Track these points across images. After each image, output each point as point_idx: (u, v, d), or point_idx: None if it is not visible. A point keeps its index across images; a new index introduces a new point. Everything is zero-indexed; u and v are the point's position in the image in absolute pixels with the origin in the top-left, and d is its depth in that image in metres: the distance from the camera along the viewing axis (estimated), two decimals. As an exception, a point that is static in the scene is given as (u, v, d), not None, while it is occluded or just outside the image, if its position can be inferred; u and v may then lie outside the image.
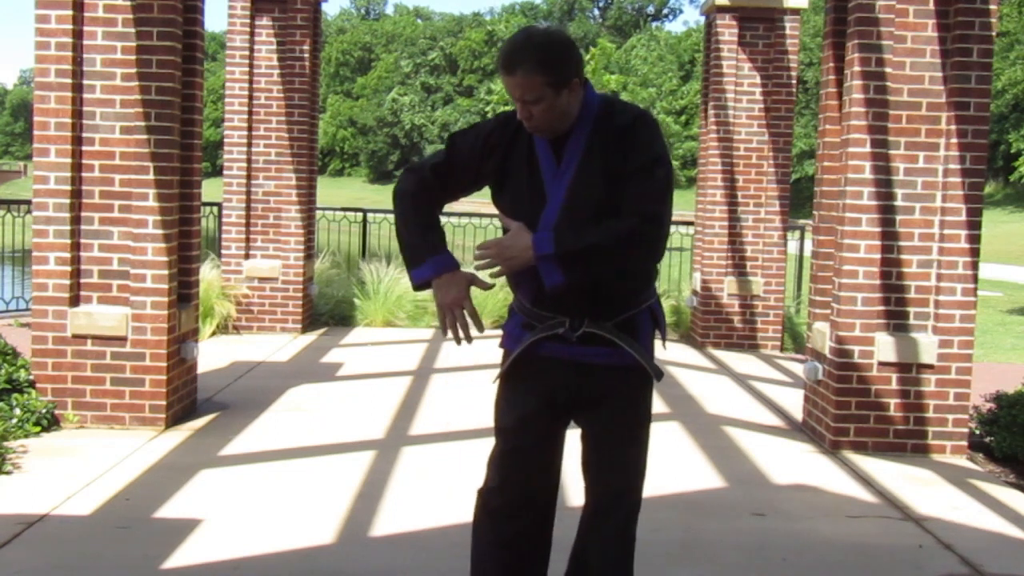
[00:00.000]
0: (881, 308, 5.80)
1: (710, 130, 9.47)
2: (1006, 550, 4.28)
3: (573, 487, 3.80)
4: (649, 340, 2.83)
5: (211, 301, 9.01)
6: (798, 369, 8.08)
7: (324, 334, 9.65)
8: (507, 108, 2.77)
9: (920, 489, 5.11)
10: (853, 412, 5.79)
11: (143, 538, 4.04)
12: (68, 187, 5.62)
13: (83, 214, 5.72)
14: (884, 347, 5.74)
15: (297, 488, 4.79)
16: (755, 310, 9.50)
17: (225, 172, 9.57)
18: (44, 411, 5.56)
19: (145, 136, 5.64)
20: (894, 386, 5.78)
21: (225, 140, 9.64)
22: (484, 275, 2.80)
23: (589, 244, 2.61)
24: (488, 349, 2.90)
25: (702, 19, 10.90)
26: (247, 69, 9.42)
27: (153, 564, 3.78)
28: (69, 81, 5.59)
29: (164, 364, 5.69)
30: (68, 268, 5.65)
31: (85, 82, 5.66)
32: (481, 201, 3.14)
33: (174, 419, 5.86)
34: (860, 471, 5.41)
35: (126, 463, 5.05)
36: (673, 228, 12.30)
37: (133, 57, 5.63)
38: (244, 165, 9.47)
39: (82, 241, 5.73)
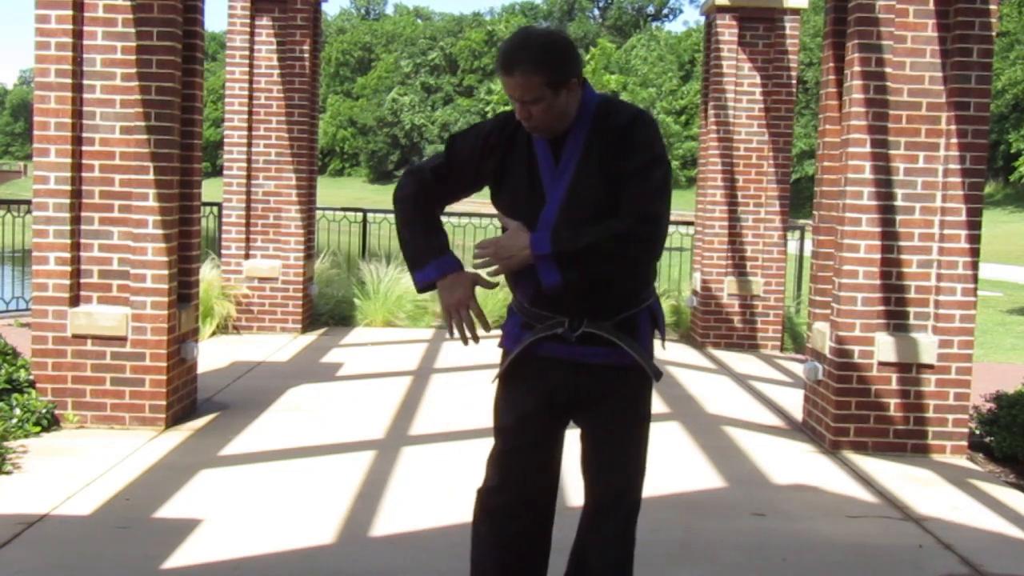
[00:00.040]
0: (881, 308, 5.80)
1: (710, 130, 9.47)
2: (1006, 550, 4.28)
3: (573, 487, 3.80)
4: (648, 340, 2.83)
5: (211, 301, 9.01)
6: (798, 369, 8.08)
7: (324, 334, 9.65)
8: (507, 108, 2.77)
9: (920, 489, 5.11)
10: (853, 412, 5.79)
11: (143, 538, 4.04)
12: (68, 187, 5.62)
13: (83, 214, 5.72)
14: (884, 347, 5.74)
15: (297, 488, 4.79)
16: (755, 310, 9.51)
17: (225, 172, 9.57)
18: (44, 411, 5.56)
19: (145, 136, 5.64)
20: (894, 386, 5.78)
21: (225, 140, 9.64)
22: (484, 273, 2.81)
23: (586, 244, 2.61)
24: (488, 349, 2.91)
25: (702, 19, 10.90)
26: (247, 69, 9.42)
27: (153, 564, 3.78)
28: (69, 81, 5.59)
29: (164, 364, 5.69)
30: (68, 268, 5.65)
31: (85, 82, 5.67)
32: (481, 201, 3.14)
33: (174, 419, 5.86)
34: (860, 471, 5.41)
35: (126, 463, 5.06)
36: (673, 228, 12.35)
37: (133, 57, 5.63)
38: (244, 165, 9.47)
39: (82, 241, 5.73)
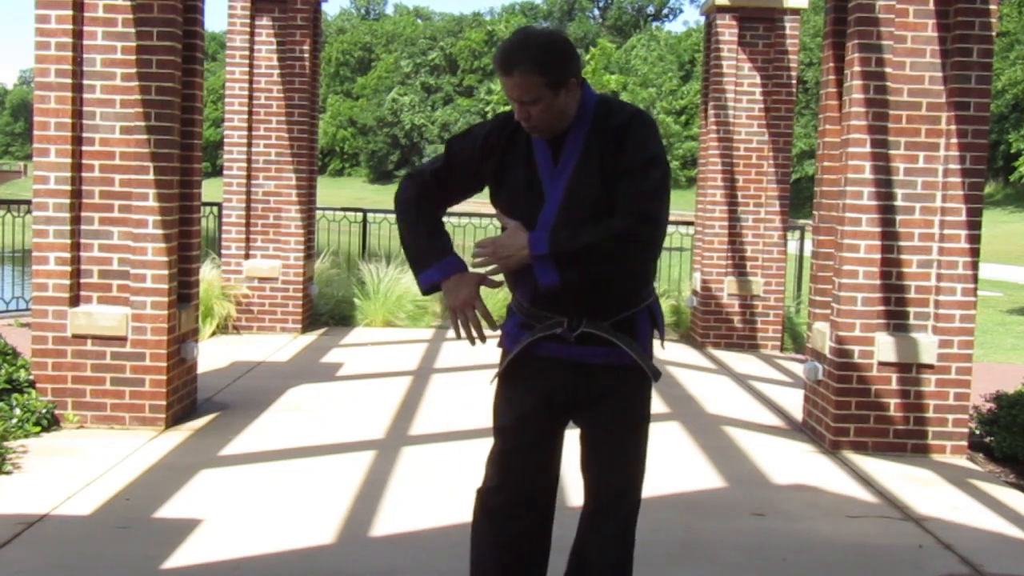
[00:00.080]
0: (881, 308, 5.80)
1: (710, 130, 9.47)
2: (1006, 550, 4.28)
3: (573, 487, 3.80)
4: (647, 340, 2.83)
5: (211, 301, 9.01)
6: (798, 369, 8.08)
7: (324, 334, 9.65)
8: (507, 108, 2.78)
9: (920, 489, 5.11)
10: (853, 412, 5.79)
11: (143, 538, 4.04)
12: (68, 187, 5.62)
13: (83, 214, 5.72)
14: (884, 347, 5.74)
15: (297, 488, 4.79)
16: (755, 310, 9.51)
17: (225, 172, 9.57)
18: (44, 411, 5.56)
19: (145, 136, 5.64)
20: (894, 386, 5.78)
21: (225, 140, 9.64)
22: (483, 272, 2.81)
23: (584, 244, 2.61)
24: (488, 349, 2.91)
25: (702, 19, 10.90)
26: (247, 69, 9.43)
27: (153, 564, 3.78)
28: (69, 81, 5.60)
29: (164, 364, 5.69)
30: (68, 268, 5.65)
31: (85, 82, 5.67)
32: (481, 201, 3.14)
33: (174, 419, 5.86)
34: (860, 471, 5.41)
35: (126, 463, 5.06)
36: (673, 228, 12.37)
37: (133, 57, 5.63)
38: (244, 165, 9.47)
39: (82, 241, 5.73)
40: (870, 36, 5.69)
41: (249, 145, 9.48)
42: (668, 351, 8.96)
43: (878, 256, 5.76)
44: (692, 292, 9.93)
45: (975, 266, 5.77)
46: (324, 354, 8.56)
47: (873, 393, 5.78)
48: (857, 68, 5.71)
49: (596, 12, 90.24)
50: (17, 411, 5.44)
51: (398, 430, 5.95)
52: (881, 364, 5.76)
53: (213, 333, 9.05)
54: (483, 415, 3.21)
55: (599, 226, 2.63)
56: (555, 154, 2.75)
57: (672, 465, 5.31)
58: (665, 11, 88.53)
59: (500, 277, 2.82)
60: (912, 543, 4.32)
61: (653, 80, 60.04)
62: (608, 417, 2.81)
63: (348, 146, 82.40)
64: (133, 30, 5.62)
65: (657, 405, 6.61)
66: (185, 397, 6.08)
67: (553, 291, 2.67)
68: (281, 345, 8.84)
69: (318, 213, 10.88)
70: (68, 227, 5.63)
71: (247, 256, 9.50)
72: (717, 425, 6.36)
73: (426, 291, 2.85)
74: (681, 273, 12.06)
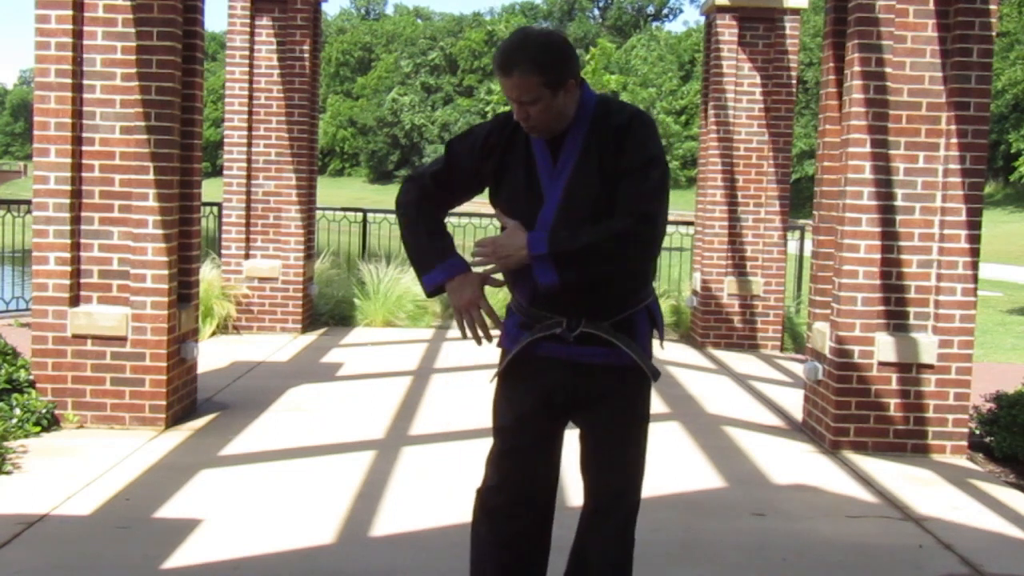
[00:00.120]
0: (881, 308, 5.80)
1: (710, 130, 9.47)
2: (1006, 550, 4.28)
3: (573, 487, 3.80)
4: (647, 340, 2.83)
5: (211, 301, 9.01)
6: (798, 369, 8.09)
7: (324, 334, 9.65)
8: (507, 108, 2.78)
9: (920, 489, 5.11)
10: (853, 412, 5.79)
11: (143, 538, 4.04)
12: (68, 187, 5.62)
13: (83, 214, 5.72)
14: (884, 347, 5.74)
15: (297, 488, 4.79)
16: (755, 310, 9.51)
17: (225, 172, 9.57)
18: (44, 411, 5.56)
19: (145, 136, 5.64)
20: (894, 386, 5.78)
21: (225, 140, 9.64)
22: (483, 270, 2.81)
23: (583, 244, 2.61)
24: (488, 349, 2.91)
25: (702, 19, 10.91)
26: (247, 69, 9.43)
27: (153, 564, 3.78)
28: (69, 81, 5.60)
29: (164, 364, 5.69)
30: (68, 268, 5.65)
31: (85, 82, 5.67)
32: (481, 201, 3.14)
33: (174, 419, 5.86)
34: (860, 471, 5.41)
35: (126, 463, 5.06)
36: (673, 228, 12.37)
37: (133, 57, 5.63)
38: (244, 165, 9.47)
39: (82, 241, 5.73)
40: (870, 36, 5.69)
41: (249, 145, 9.48)
42: (668, 351, 8.96)
43: (878, 256, 5.76)
44: (692, 292, 9.93)
45: (975, 266, 5.77)
46: (324, 354, 8.56)
47: (873, 393, 5.78)
48: (857, 68, 5.71)
49: (596, 12, 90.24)
50: (17, 411, 5.44)
51: (398, 430, 5.95)
52: (881, 364, 5.76)
53: (213, 333, 9.05)
54: (483, 415, 3.21)
55: (598, 226, 2.63)
56: (554, 154, 2.75)
57: (672, 465, 5.31)
58: (665, 11, 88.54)
59: (502, 277, 2.82)
60: (912, 543, 4.32)
61: (653, 80, 60.04)
62: (608, 417, 2.81)
63: (348, 146, 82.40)
64: (133, 30, 5.62)
65: (657, 405, 6.61)
66: (185, 397, 6.09)
67: (552, 291, 2.67)
68: (281, 345, 8.84)
69: (318, 213, 10.88)
70: (68, 227, 5.63)
71: (247, 256, 9.50)
72: (717, 425, 6.36)
73: (430, 293, 2.85)
74: (681, 273, 12.06)
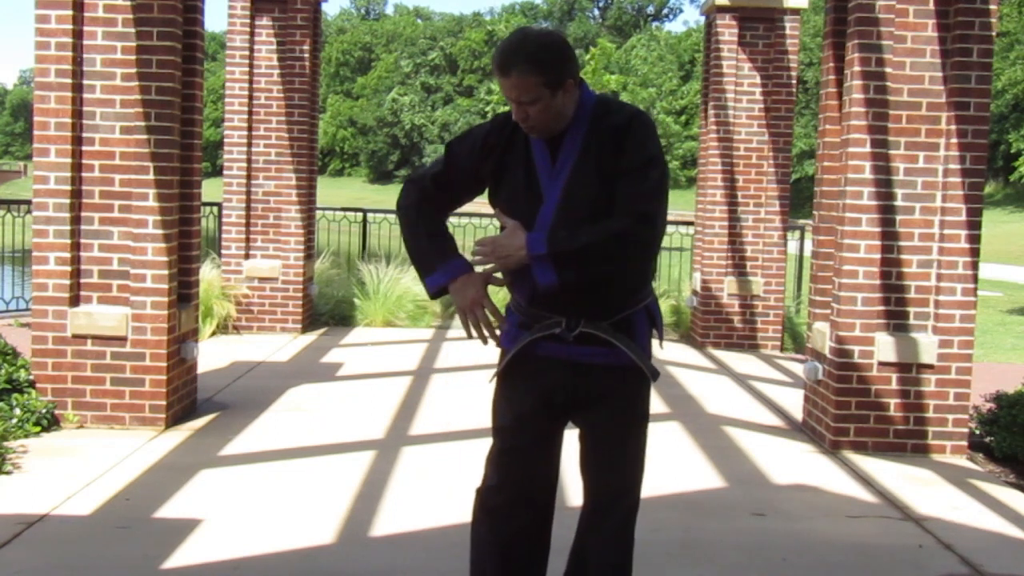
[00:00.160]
0: (881, 308, 5.80)
1: (710, 130, 9.47)
2: (1006, 550, 4.28)
3: (573, 486, 3.80)
4: (646, 340, 2.83)
5: (211, 301, 9.01)
6: (798, 369, 8.09)
7: (324, 334, 9.65)
8: (507, 108, 2.78)
9: (920, 489, 5.11)
10: (853, 412, 5.79)
11: (143, 538, 4.04)
12: (68, 187, 5.62)
13: (83, 214, 5.72)
14: (884, 347, 5.74)
15: (297, 488, 4.79)
16: (755, 310, 9.51)
17: (225, 172, 9.57)
18: (44, 411, 5.56)
19: (145, 136, 5.64)
20: (894, 386, 5.78)
21: (225, 140, 9.64)
22: (482, 269, 2.81)
23: (583, 244, 2.61)
24: (487, 349, 2.91)
25: (702, 19, 10.91)
26: (247, 69, 9.43)
27: (153, 564, 3.78)
28: (69, 81, 5.60)
29: (164, 364, 5.69)
30: (68, 268, 5.65)
31: (85, 82, 5.67)
32: (481, 201, 3.15)
33: (174, 419, 5.86)
34: (860, 471, 5.41)
35: (126, 463, 5.06)
36: (673, 228, 12.37)
37: (133, 57, 5.63)
38: (244, 165, 9.47)
39: (82, 241, 5.73)
40: (870, 36, 5.69)
41: (249, 145, 9.48)
42: (668, 351, 8.96)
43: (878, 256, 5.76)
44: (692, 292, 9.93)
45: (975, 266, 5.77)
46: (324, 354, 8.56)
47: (873, 393, 5.78)
48: (857, 68, 5.71)
49: (596, 12, 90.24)
50: (17, 411, 5.44)
51: (398, 430, 5.95)
52: (881, 364, 5.76)
53: (213, 333, 9.05)
54: (483, 415, 3.21)
55: (597, 226, 2.63)
56: (553, 154, 2.75)
57: (672, 465, 5.31)
58: (665, 11, 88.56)
59: (506, 277, 2.82)
60: (912, 543, 4.32)
61: (653, 80, 60.05)
62: (607, 417, 2.81)
63: (348, 146, 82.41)
64: (133, 30, 5.62)
65: (657, 405, 6.61)
66: (185, 397, 6.09)
67: (551, 291, 2.67)
68: (281, 345, 8.84)
69: (318, 213, 10.88)
70: (68, 227, 5.63)
71: (247, 256, 9.50)
72: (717, 425, 6.36)
73: (434, 295, 2.85)
74: (681, 273, 12.06)
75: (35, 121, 5.69)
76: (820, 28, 17.72)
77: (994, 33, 5.78)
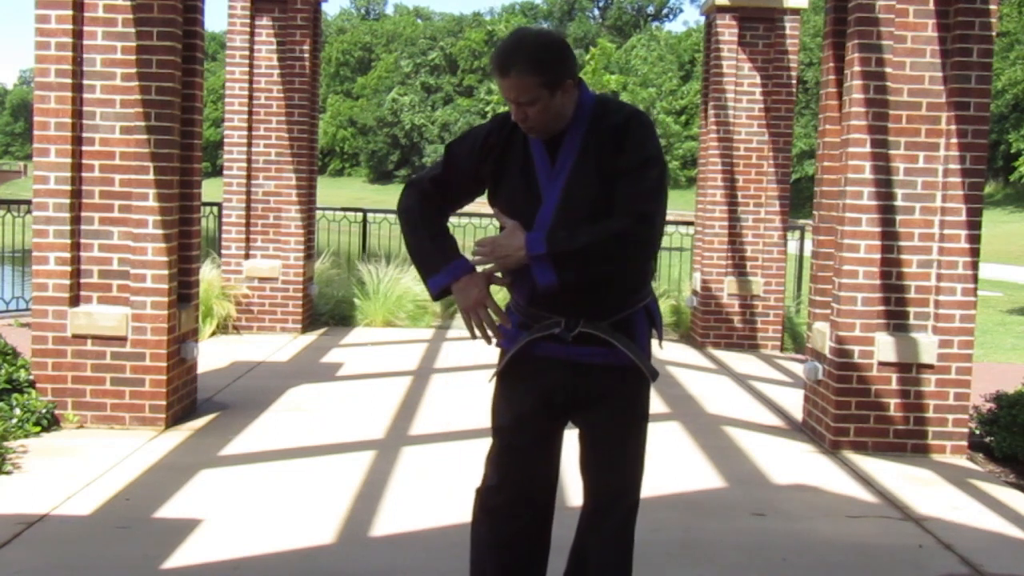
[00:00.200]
0: (881, 308, 5.80)
1: (710, 130, 9.47)
2: (1006, 550, 4.28)
3: (573, 486, 3.80)
4: (645, 340, 2.83)
5: (211, 301, 9.01)
6: (798, 369, 8.09)
7: (324, 334, 9.65)
8: (507, 108, 2.78)
9: (920, 489, 5.11)
10: (853, 412, 5.79)
11: (143, 538, 4.04)
12: (68, 187, 5.62)
13: (83, 214, 5.72)
14: (884, 347, 5.74)
15: (297, 488, 4.79)
16: (755, 310, 9.51)
17: (225, 172, 9.57)
18: (44, 411, 5.56)
19: (145, 136, 5.64)
20: (894, 386, 5.78)
21: (225, 140, 9.64)
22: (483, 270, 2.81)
23: (582, 244, 2.61)
24: (487, 349, 2.91)
25: (702, 19, 10.91)
26: (247, 69, 9.43)
27: (153, 564, 3.78)
28: (69, 81, 5.60)
29: (164, 364, 5.69)
30: (68, 268, 5.65)
31: (85, 82, 5.67)
32: (481, 201, 3.15)
33: (174, 419, 5.86)
34: (860, 471, 5.41)
35: (126, 463, 5.06)
36: (673, 228, 12.38)
37: (133, 57, 5.63)
38: (244, 165, 9.47)
39: (82, 241, 5.73)
40: (870, 36, 5.69)
41: (249, 145, 9.48)
42: (668, 351, 8.96)
43: (878, 256, 5.76)
44: (692, 292, 9.93)
45: (975, 266, 5.77)
46: (324, 354, 8.56)
47: (873, 393, 5.78)
48: (857, 68, 5.71)
49: (596, 12, 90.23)
50: (17, 411, 5.44)
51: (398, 430, 5.95)
52: (881, 364, 5.76)
53: (213, 333, 9.05)
54: (483, 415, 3.21)
55: (597, 226, 2.63)
56: (552, 155, 2.75)
57: (672, 465, 5.31)
58: (665, 11, 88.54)
59: (507, 277, 2.82)
60: (912, 543, 4.32)
61: (653, 80, 60.06)
62: (607, 417, 2.81)
63: (348, 146, 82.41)
64: (133, 30, 5.62)
65: (657, 405, 6.61)
66: (185, 397, 6.09)
67: (551, 291, 2.67)
68: (281, 345, 8.84)
69: (318, 213, 10.88)
70: (68, 227, 5.63)
71: (247, 256, 9.50)
72: (717, 425, 6.36)
73: (436, 296, 2.84)
74: (681, 273, 12.06)
75: (35, 121, 5.69)
76: (820, 28, 17.72)
77: (994, 33, 5.78)
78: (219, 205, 9.79)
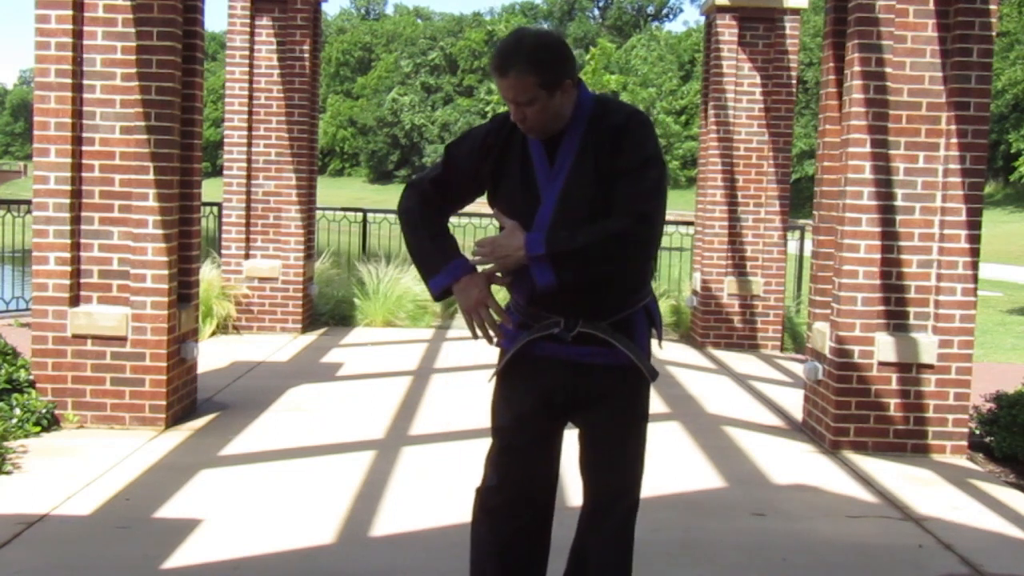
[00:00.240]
0: (881, 308, 5.80)
1: (710, 130, 9.47)
2: (1006, 550, 4.28)
3: (573, 486, 3.80)
4: (645, 339, 2.83)
5: (211, 301, 9.01)
6: (798, 369, 8.09)
7: (324, 334, 9.65)
8: (507, 108, 2.78)
9: (920, 489, 5.11)
10: (853, 412, 5.79)
11: (143, 538, 4.04)
12: (68, 187, 5.62)
13: (83, 214, 5.72)
14: (884, 347, 5.74)
15: (297, 488, 4.79)
16: (755, 310, 9.51)
17: (225, 172, 9.58)
18: (44, 411, 5.56)
19: (145, 136, 5.64)
20: (894, 386, 5.78)
21: (225, 140, 9.64)
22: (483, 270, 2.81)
23: (581, 245, 2.61)
24: (487, 349, 2.91)
25: (702, 19, 10.91)
26: (247, 69, 9.43)
27: (153, 564, 3.78)
28: (69, 81, 5.60)
29: (164, 364, 5.69)
30: (68, 268, 5.65)
31: (85, 82, 5.67)
32: (482, 201, 3.15)
33: (174, 419, 5.86)
34: (860, 471, 5.41)
35: (126, 463, 5.06)
36: (673, 228, 12.38)
37: (133, 57, 5.63)
38: (244, 165, 9.47)
39: (82, 241, 5.73)
40: (870, 36, 5.69)
41: (249, 145, 9.48)
42: (668, 351, 8.96)
43: (878, 256, 5.76)
44: (692, 292, 9.93)
45: (975, 266, 5.77)
46: (324, 354, 8.56)
47: (873, 393, 5.78)
48: (857, 68, 5.71)
49: (596, 12, 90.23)
50: (17, 411, 5.44)
51: (398, 430, 5.95)
52: (881, 364, 5.76)
53: (213, 333, 9.05)
54: (483, 415, 3.21)
55: (596, 227, 2.63)
56: (551, 155, 2.75)
57: (672, 465, 5.31)
58: (665, 11, 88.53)
59: (507, 277, 2.82)
60: (912, 543, 4.32)
61: (653, 80, 60.07)
62: (607, 417, 2.81)
63: (348, 146, 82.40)
64: (133, 30, 5.62)
65: (657, 405, 6.61)
66: (185, 397, 6.09)
67: (550, 291, 2.67)
68: (281, 345, 8.84)
69: (318, 213, 10.88)
70: (68, 227, 5.63)
71: (247, 256, 9.50)
72: (717, 425, 6.36)
73: (438, 297, 2.84)
74: (681, 273, 12.06)
75: (35, 121, 5.69)
76: (820, 28, 17.72)
77: (994, 33, 5.78)
78: (219, 205, 9.79)
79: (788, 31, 9.35)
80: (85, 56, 5.66)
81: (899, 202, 5.75)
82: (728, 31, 9.30)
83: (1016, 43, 41.05)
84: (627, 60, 62.63)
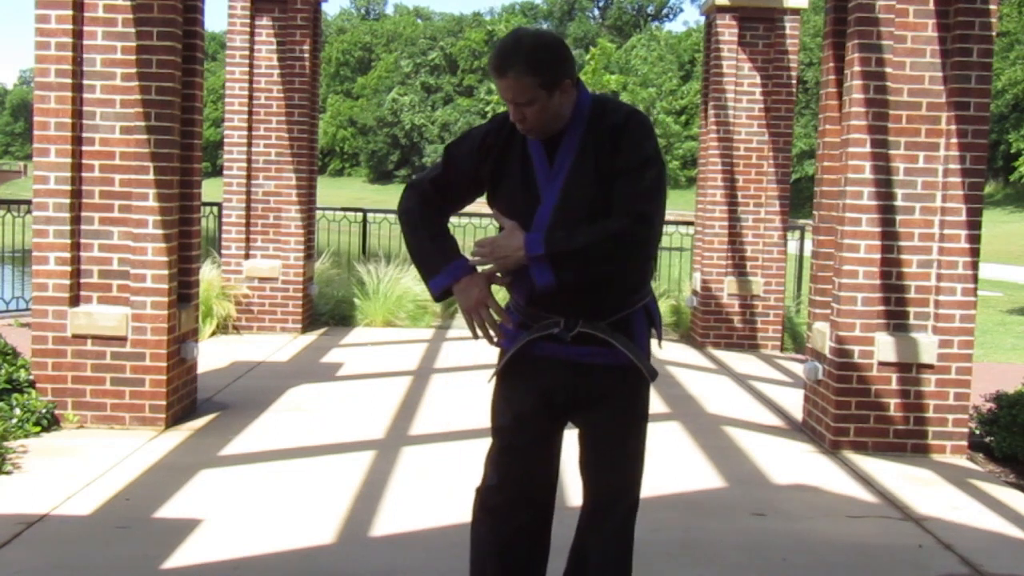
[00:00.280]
0: (881, 308, 5.80)
1: (710, 130, 9.47)
2: (1006, 550, 4.28)
3: (573, 486, 3.80)
4: (645, 339, 2.83)
5: (211, 301, 9.01)
6: (798, 369, 8.09)
7: (324, 334, 9.65)
8: (506, 109, 2.78)
9: (920, 489, 5.11)
10: (853, 412, 5.79)
11: (143, 538, 4.04)
12: (68, 187, 5.62)
13: (83, 214, 5.72)
14: (884, 347, 5.74)
15: (297, 488, 4.79)
16: (755, 310, 9.51)
17: (225, 172, 9.58)
18: (44, 411, 5.56)
19: (145, 136, 5.64)
20: (894, 386, 5.78)
21: (225, 140, 9.64)
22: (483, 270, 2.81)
23: (580, 245, 2.61)
24: (487, 349, 2.91)
25: (702, 19, 10.91)
26: (247, 69, 9.43)
27: (153, 564, 3.78)
28: (69, 81, 5.60)
29: (164, 364, 5.69)
30: (68, 268, 5.65)
31: (85, 82, 5.67)
32: (481, 201, 3.15)
33: (174, 419, 5.86)
34: (860, 471, 5.41)
35: (126, 463, 5.06)
36: (673, 228, 12.38)
37: (133, 57, 5.63)
38: (244, 165, 9.47)
39: (82, 241, 5.73)
40: (870, 36, 5.69)
41: (249, 145, 9.48)
42: (668, 351, 8.96)
43: (878, 256, 5.76)
44: (692, 292, 9.93)
45: (975, 266, 5.77)
46: (324, 354, 8.56)
47: (873, 393, 5.78)
48: (857, 68, 5.71)
49: (596, 12, 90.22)
50: (17, 411, 5.44)
51: (398, 430, 5.95)
52: (881, 364, 5.76)
53: (213, 333, 9.05)
54: (483, 415, 3.21)
55: (595, 227, 2.63)
56: (551, 155, 2.75)
57: (672, 465, 5.31)
58: (665, 11, 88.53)
59: (507, 277, 2.82)
60: (912, 543, 4.32)
61: (653, 80, 60.06)
62: (607, 417, 2.81)
63: (348, 146, 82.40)
64: (133, 30, 5.62)
65: (657, 405, 6.61)
66: (185, 397, 6.09)
67: (549, 291, 2.67)
68: (281, 345, 8.84)
69: (318, 213, 10.88)
70: (68, 227, 5.63)
71: (247, 256, 9.50)
72: (717, 425, 6.36)
73: (438, 297, 2.85)
74: (681, 273, 12.06)
75: (35, 121, 5.69)
76: (820, 28, 17.72)
77: (994, 33, 5.78)
78: (219, 205, 9.79)
79: (788, 31, 9.35)
80: (85, 56, 5.66)
81: (899, 202, 5.75)
82: (728, 31, 9.30)
83: (1016, 43, 41.05)
84: (627, 60, 62.63)
